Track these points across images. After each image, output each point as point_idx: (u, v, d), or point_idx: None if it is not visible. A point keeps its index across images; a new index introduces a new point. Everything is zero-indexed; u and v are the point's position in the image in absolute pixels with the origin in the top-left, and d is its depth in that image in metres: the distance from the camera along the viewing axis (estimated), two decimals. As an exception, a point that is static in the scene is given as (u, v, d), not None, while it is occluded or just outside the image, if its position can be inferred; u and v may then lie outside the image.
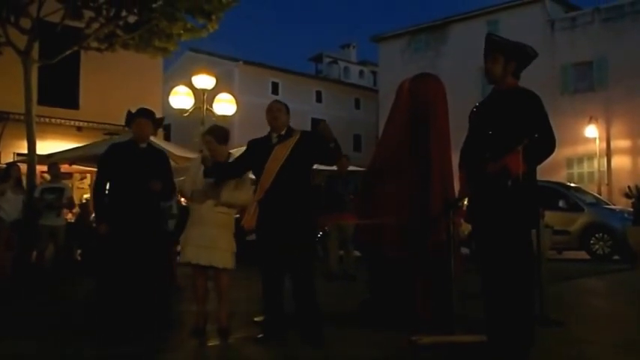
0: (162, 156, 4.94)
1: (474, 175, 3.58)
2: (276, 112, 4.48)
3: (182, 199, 7.40)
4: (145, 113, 4.75)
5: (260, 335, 4.35)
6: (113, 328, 4.35)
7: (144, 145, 4.73)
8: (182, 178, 4.97)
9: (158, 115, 5.09)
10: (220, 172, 4.49)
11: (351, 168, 11.77)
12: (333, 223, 8.54)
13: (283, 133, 4.43)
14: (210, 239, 4.48)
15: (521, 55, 3.64)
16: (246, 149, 4.64)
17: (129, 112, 4.77)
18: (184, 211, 4.79)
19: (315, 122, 29.93)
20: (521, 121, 3.42)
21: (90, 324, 4.58)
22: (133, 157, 4.64)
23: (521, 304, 3.37)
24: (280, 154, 4.31)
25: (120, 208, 4.54)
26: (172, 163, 9.96)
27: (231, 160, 4.73)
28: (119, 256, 4.46)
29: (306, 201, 4.37)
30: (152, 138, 5.59)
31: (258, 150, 4.45)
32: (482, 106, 3.72)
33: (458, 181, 3.86)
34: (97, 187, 4.78)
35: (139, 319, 4.45)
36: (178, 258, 5.14)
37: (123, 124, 4.99)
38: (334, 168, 9.01)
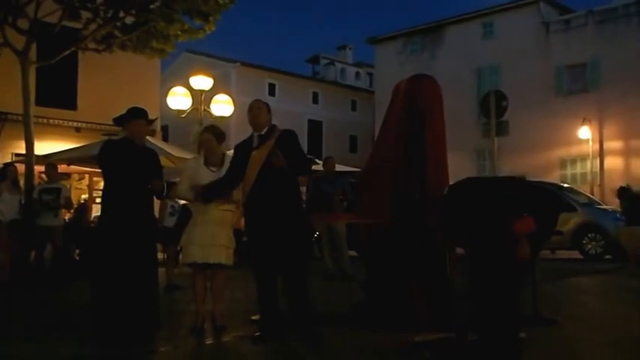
0: (155, 154, 4.94)
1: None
2: (256, 111, 4.50)
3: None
4: (143, 115, 4.72)
5: (257, 334, 4.38)
6: (111, 328, 4.34)
7: (138, 144, 4.70)
8: (177, 180, 4.98)
9: (155, 115, 5.10)
10: (218, 191, 4.49)
11: (346, 169, 11.86)
12: (324, 224, 8.61)
13: (264, 132, 4.47)
14: (215, 237, 4.54)
15: None
16: (234, 156, 4.65)
17: (127, 111, 4.71)
18: (186, 211, 4.82)
19: (311, 123, 29.99)
20: None
21: (88, 324, 4.56)
22: (130, 156, 4.60)
23: (505, 303, 3.36)
24: (257, 158, 4.35)
25: (118, 207, 4.51)
26: (170, 164, 10.08)
27: (226, 160, 4.77)
28: (117, 255, 4.44)
29: (291, 201, 4.42)
30: (150, 139, 5.65)
31: (242, 154, 4.50)
32: None
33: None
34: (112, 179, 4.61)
35: (136, 319, 4.44)
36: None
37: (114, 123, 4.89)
38: (321, 169, 9.12)
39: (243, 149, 4.53)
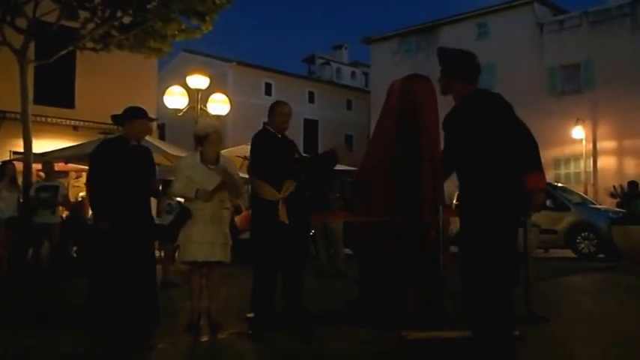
0: (149, 153, 4.96)
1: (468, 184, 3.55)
2: (289, 116, 4.71)
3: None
4: (144, 114, 4.76)
5: (251, 331, 4.45)
6: (108, 325, 4.39)
7: (134, 143, 4.73)
8: (172, 179, 5.02)
9: (152, 114, 5.17)
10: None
11: (342, 167, 11.89)
12: (320, 222, 8.68)
13: (284, 135, 4.70)
14: (214, 234, 4.59)
15: (453, 62, 3.68)
16: (264, 150, 4.64)
17: (126, 110, 4.74)
18: (184, 210, 4.86)
19: (307, 123, 30.06)
20: (485, 126, 3.38)
21: (86, 321, 4.60)
22: (126, 155, 4.63)
23: (499, 301, 3.33)
24: None
25: (115, 205, 4.53)
26: (167, 162, 10.12)
27: (220, 159, 4.80)
28: (114, 253, 4.48)
29: (308, 202, 4.64)
30: (147, 137, 5.69)
31: (279, 152, 4.59)
32: (447, 117, 3.70)
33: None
34: (94, 183, 4.69)
35: (135, 315, 4.49)
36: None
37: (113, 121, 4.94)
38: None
39: (276, 148, 4.61)
